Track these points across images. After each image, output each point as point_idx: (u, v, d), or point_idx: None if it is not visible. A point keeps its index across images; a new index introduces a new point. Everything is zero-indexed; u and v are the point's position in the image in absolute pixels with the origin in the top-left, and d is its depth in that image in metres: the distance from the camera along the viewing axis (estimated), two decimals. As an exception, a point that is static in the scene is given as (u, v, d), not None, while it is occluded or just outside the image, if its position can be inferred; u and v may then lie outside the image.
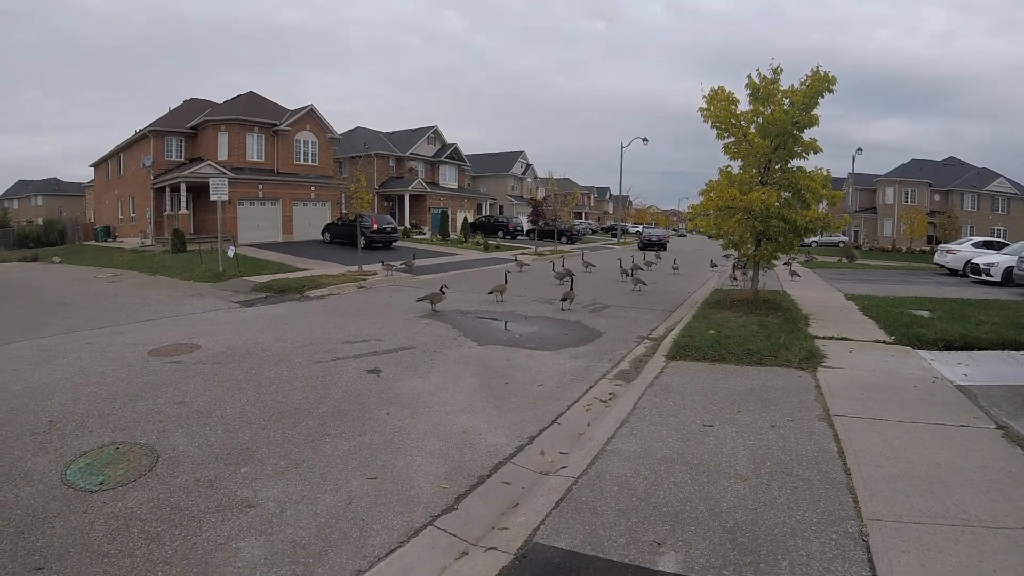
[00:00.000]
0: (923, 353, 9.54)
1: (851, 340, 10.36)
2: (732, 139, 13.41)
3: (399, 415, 6.39)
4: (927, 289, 19.08)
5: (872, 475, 4.89)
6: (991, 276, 22.24)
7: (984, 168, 63.23)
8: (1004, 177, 60.58)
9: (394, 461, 5.22)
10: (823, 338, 10.46)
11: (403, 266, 22.26)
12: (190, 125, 36.22)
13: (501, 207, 65.04)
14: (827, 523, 4.10)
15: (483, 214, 57.97)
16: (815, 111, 12.79)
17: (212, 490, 4.70)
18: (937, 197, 61.54)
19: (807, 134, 13.07)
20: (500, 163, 69.54)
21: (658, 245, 43.34)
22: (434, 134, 57.26)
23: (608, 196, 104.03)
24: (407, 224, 47.94)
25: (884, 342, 10.26)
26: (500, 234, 48.11)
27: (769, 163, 13.26)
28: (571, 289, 14.96)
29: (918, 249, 48.20)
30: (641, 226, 73.78)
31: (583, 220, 76.89)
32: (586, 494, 4.45)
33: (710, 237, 15.60)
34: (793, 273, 21.34)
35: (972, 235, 45.82)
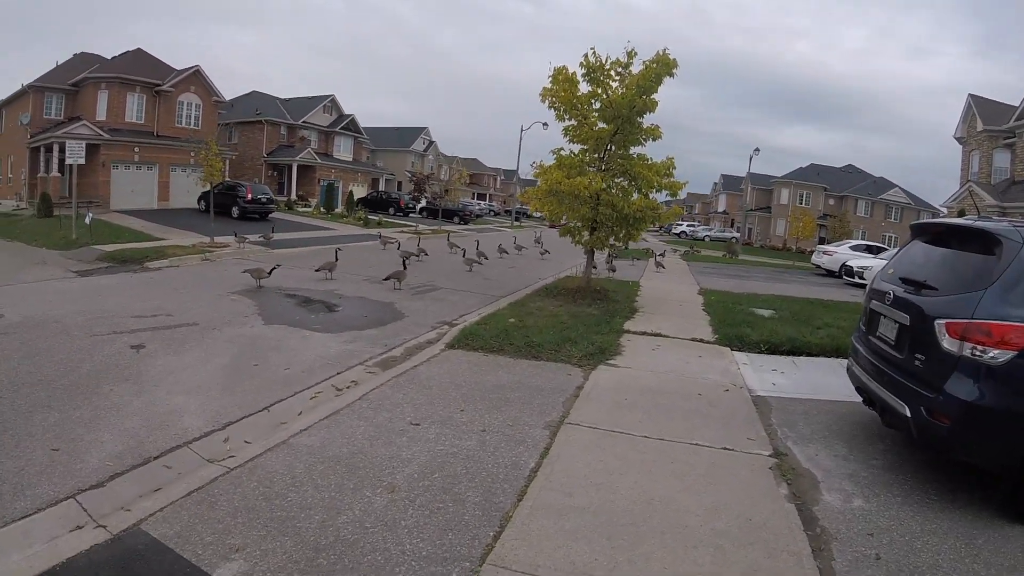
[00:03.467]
0: (739, 355, 8.21)
1: (665, 336, 9.06)
2: (573, 122, 12.05)
3: (123, 391, 5.99)
4: (793, 288, 18.29)
5: (549, 506, 3.86)
6: (863, 279, 21.72)
7: (881, 177, 64.84)
8: (899, 187, 62.40)
9: (85, 436, 4.95)
10: (634, 333, 9.14)
11: (260, 239, 20.65)
12: (72, 82, 33.61)
13: (400, 183, 62.04)
14: (436, 560, 3.26)
15: (379, 189, 55.19)
16: (655, 95, 11.56)
17: None
18: (832, 201, 62.82)
19: (649, 120, 11.97)
20: (402, 138, 66.65)
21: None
22: (331, 103, 54.11)
23: (515, 179, 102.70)
24: (294, 195, 45.27)
25: (702, 340, 8.95)
26: (391, 211, 45.71)
27: (609, 148, 11.98)
28: (403, 269, 13.62)
29: (807, 249, 48.62)
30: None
31: (485, 202, 74.69)
32: (223, 487, 4.01)
33: (551, 225, 14.18)
34: (658, 265, 20.36)
35: (864, 240, 46.50)
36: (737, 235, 51.79)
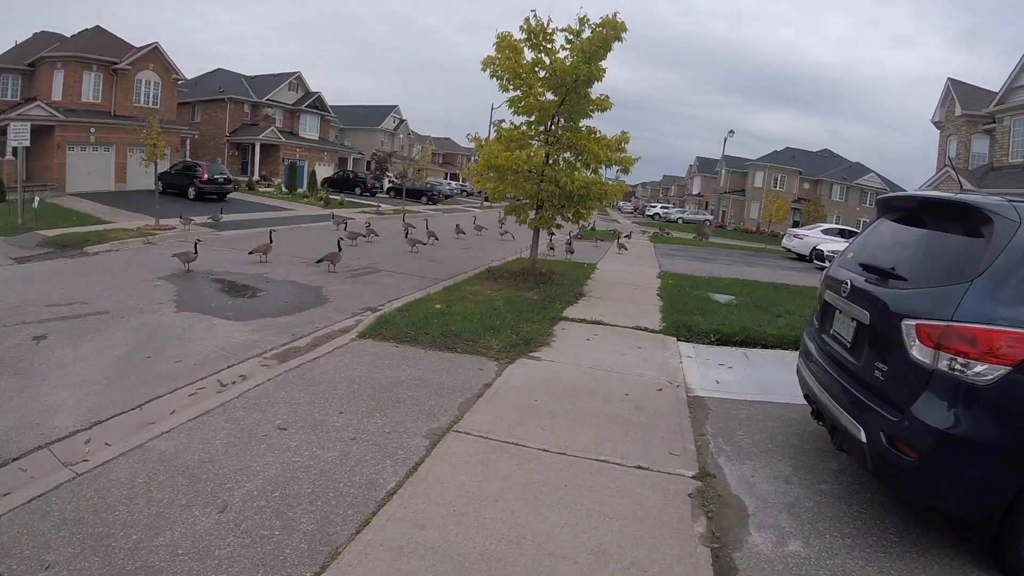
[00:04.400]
0: (685, 347, 7.30)
1: (605, 324, 8.15)
2: (518, 93, 10.96)
3: (8, 387, 5.54)
4: (759, 272, 17.49)
5: (390, 542, 3.09)
6: (834, 263, 20.96)
7: (857, 162, 63.99)
8: (875, 172, 61.58)
9: (-53, 435, 4.46)
10: (573, 320, 8.23)
11: (208, 220, 20.18)
12: (28, 62, 32.12)
13: (369, 163, 60.59)
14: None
15: (346, 169, 53.56)
16: (603, 63, 10.52)
17: None
18: (807, 185, 62.05)
19: (597, 90, 10.97)
20: (371, 116, 64.74)
21: None
22: (297, 80, 52.28)
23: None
24: (257, 175, 43.81)
25: (647, 329, 8.04)
26: (357, 191, 44.12)
27: (557, 121, 11.00)
28: (339, 251, 12.76)
29: (780, 233, 48.02)
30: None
31: (457, 182, 72.74)
32: (62, 495, 3.56)
33: (490, 201, 13.17)
34: (621, 247, 19.47)
35: (838, 224, 45.93)
36: (710, 217, 51.10)
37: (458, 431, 4.41)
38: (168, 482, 3.67)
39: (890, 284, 3.52)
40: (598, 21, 10.17)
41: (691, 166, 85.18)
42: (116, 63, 33.21)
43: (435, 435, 4.36)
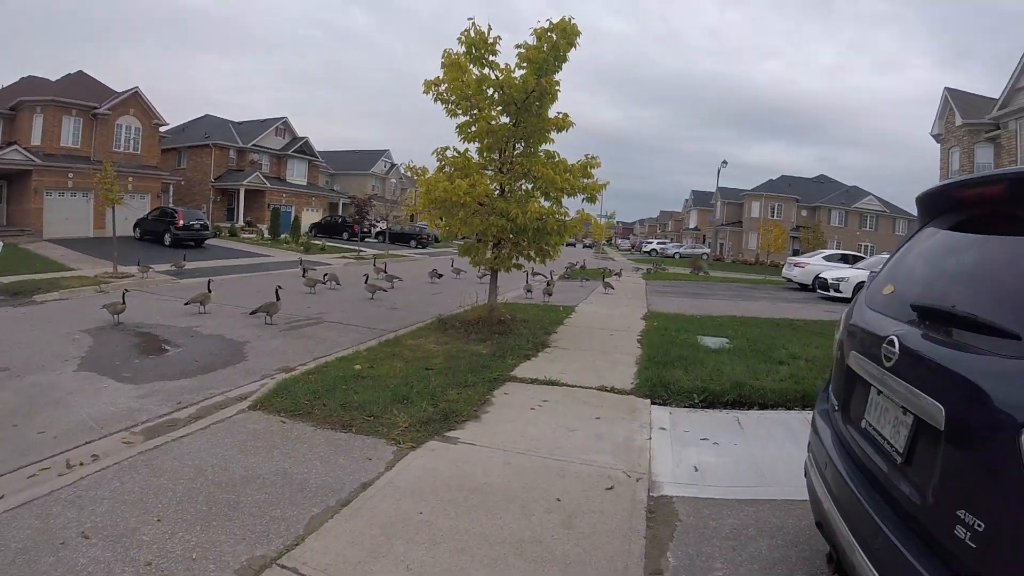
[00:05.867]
0: (659, 413, 5.73)
1: (562, 385, 6.58)
2: (467, 118, 9.63)
3: None
4: (758, 306, 15.91)
5: None
6: (840, 292, 19.37)
7: (854, 186, 62.71)
8: (873, 195, 60.20)
9: None
10: (522, 381, 6.69)
11: (171, 268, 19.41)
12: (10, 106, 31.97)
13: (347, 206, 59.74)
14: None
15: (335, 214, 52.49)
16: (557, 76, 9.22)
17: None
18: (805, 212, 60.52)
19: (553, 110, 9.59)
20: (362, 161, 63.96)
21: None
22: (284, 125, 51.63)
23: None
24: (241, 221, 42.81)
25: (613, 389, 6.45)
26: (345, 236, 43.01)
27: (514, 147, 9.67)
28: (276, 301, 11.42)
29: (779, 263, 46.44)
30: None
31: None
32: None
33: (423, 244, 11.75)
34: (607, 286, 17.93)
35: (839, 250, 44.30)
36: (707, 251, 49.62)
37: (283, 567, 2.97)
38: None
39: (985, 347, 1.83)
40: (546, 26, 8.80)
41: (687, 200, 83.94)
42: (96, 108, 33.09)
43: (250, 570, 2.98)
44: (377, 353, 7.87)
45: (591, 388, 6.46)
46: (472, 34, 8.93)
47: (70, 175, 30.75)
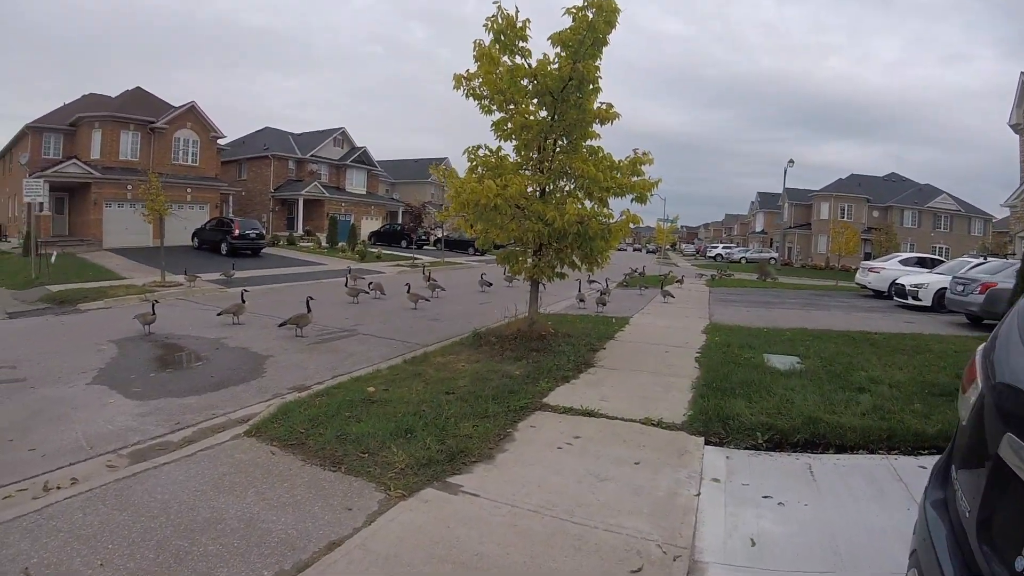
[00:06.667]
0: (713, 458, 4.78)
1: (600, 416, 5.68)
2: (502, 114, 8.85)
3: None
4: (831, 317, 14.60)
5: None
6: (919, 300, 17.73)
7: (927, 184, 58.91)
8: (947, 193, 56.53)
9: None
10: (555, 410, 5.83)
11: (220, 276, 19.42)
12: (70, 122, 33.36)
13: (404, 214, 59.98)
14: None
15: (395, 222, 52.71)
16: (596, 62, 8.32)
17: None
18: (876, 213, 57.26)
19: (597, 101, 8.72)
20: (421, 170, 63.91)
21: None
22: (342, 136, 52.26)
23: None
24: (300, 230, 43.31)
25: (661, 423, 5.51)
26: (403, 243, 43.00)
27: (555, 143, 8.85)
28: (307, 312, 10.88)
29: (851, 267, 44.06)
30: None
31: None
32: None
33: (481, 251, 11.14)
34: (666, 294, 16.78)
35: (915, 253, 41.72)
36: (775, 255, 47.51)
37: None
38: None
39: None
40: (580, 3, 7.92)
41: (753, 203, 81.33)
42: (153, 122, 34.23)
43: None
44: (398, 372, 7.21)
45: (634, 421, 5.54)
46: (500, 20, 8.10)
47: (128, 187, 31.51)
